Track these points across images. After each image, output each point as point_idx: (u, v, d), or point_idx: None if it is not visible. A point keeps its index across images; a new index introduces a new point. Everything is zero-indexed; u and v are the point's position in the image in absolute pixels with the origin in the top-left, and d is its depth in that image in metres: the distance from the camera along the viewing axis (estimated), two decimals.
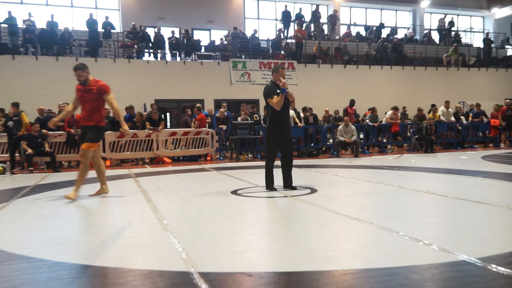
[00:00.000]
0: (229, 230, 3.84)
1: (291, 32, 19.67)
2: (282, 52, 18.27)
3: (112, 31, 16.58)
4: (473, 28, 24.77)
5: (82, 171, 5.73)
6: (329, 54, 18.79)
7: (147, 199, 5.56)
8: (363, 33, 21.59)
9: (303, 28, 19.11)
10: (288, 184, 6.14)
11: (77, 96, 5.85)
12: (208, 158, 12.47)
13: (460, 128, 14.90)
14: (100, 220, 4.41)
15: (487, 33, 22.34)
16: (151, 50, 16.90)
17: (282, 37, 18.83)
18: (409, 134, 14.31)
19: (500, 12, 24.57)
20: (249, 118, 12.88)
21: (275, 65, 6.82)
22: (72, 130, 10.89)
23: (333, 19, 20.67)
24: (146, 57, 16.91)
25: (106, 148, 11.17)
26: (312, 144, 13.32)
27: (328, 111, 14.92)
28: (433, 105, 15.31)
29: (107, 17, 16.69)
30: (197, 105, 12.99)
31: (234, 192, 6.03)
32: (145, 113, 13.11)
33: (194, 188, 6.59)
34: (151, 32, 17.04)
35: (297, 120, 13.04)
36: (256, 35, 18.51)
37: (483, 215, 4.16)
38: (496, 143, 15.24)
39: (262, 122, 12.77)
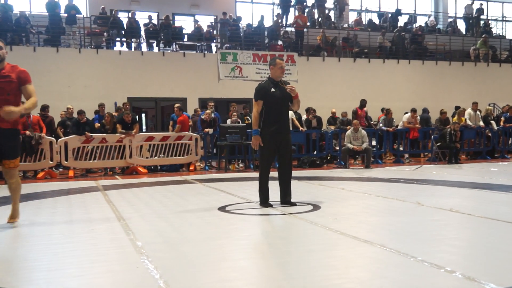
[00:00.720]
0: (215, 254, 3.85)
1: (290, 19, 19.79)
2: (280, 43, 18.37)
3: (77, 16, 16.56)
4: (506, 17, 25.06)
5: (17, 191, 5.25)
6: (335, 45, 18.92)
7: (117, 217, 5.56)
8: (376, 21, 21.78)
9: (305, 14, 19.26)
10: (286, 199, 6.16)
11: None
12: (191, 168, 12.46)
13: (490, 134, 15.03)
14: (62, 242, 4.40)
15: None
16: (123, 39, 16.90)
17: (281, 24, 18.93)
18: (428, 141, 14.40)
19: None
20: (240, 121, 12.92)
21: (272, 57, 6.88)
22: (27, 132, 10.87)
23: (341, 4, 20.83)
24: (117, 47, 16.92)
25: (68, 155, 11.15)
26: (315, 152, 13.38)
27: (335, 113, 15.02)
28: (457, 107, 15.43)
29: (70, 0, 16.69)
30: (176, 104, 13.01)
31: (222, 209, 6.04)
32: (116, 113, 13.11)
33: (174, 204, 6.58)
34: (124, 17, 17.05)
35: (297, 123, 13.10)
36: (250, 21, 18.65)
37: None
38: None
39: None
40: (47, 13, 16.15)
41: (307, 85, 16.96)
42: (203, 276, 3.24)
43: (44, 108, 12.09)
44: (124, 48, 16.90)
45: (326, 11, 20.61)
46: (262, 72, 16.93)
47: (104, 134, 11.64)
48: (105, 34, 16.75)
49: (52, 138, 11.26)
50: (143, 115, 18.49)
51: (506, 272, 3.18)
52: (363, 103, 14.90)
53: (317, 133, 13.51)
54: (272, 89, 6.06)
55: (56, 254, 3.93)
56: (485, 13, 23.74)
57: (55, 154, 11.12)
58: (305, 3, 19.96)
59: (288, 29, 19.13)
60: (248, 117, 13.43)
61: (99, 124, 12.10)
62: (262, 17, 18.56)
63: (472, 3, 23.10)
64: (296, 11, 19.29)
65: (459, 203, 6.18)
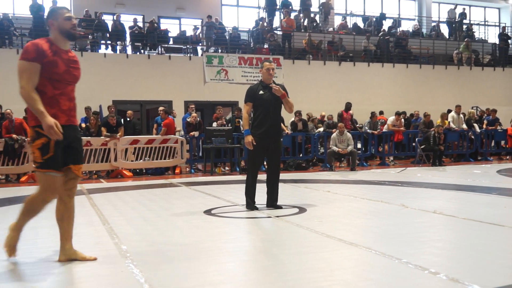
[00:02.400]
0: (201, 257, 3.84)
1: (276, 23, 19.85)
2: (266, 46, 18.41)
3: None
4: (488, 21, 25.42)
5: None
6: (321, 48, 19.02)
7: (102, 221, 5.51)
8: (361, 24, 21.93)
9: (291, 18, 19.35)
10: (272, 202, 6.16)
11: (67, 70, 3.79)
12: (177, 171, 12.42)
13: (473, 137, 15.22)
14: (46, 246, 4.35)
15: (504, 27, 22.96)
16: (108, 42, 16.81)
17: (266, 27, 18.95)
18: (414, 143, 14.55)
19: None
20: (226, 124, 12.91)
21: (262, 60, 6.91)
22: (13, 136, 10.76)
23: (326, 8, 20.97)
24: (102, 49, 16.80)
25: None
26: (300, 155, 13.41)
27: (323, 117, 15.08)
28: (449, 111, 15.60)
29: (55, 2, 16.53)
30: (161, 108, 12.96)
31: (208, 212, 6.03)
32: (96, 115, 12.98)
33: (160, 207, 6.55)
34: (108, 20, 16.95)
35: (283, 126, 13.11)
36: (236, 25, 18.66)
37: (499, 239, 4.26)
38: None
39: (242, 128, 12.79)
40: (31, 15, 15.99)
41: (293, 88, 16.87)
42: (189, 279, 3.23)
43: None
44: (109, 51, 16.80)
45: (312, 15, 20.71)
46: (248, 75, 16.94)
47: (89, 137, 11.55)
48: (89, 36, 16.64)
49: None
50: (128, 118, 18.34)
51: (489, 274, 3.21)
52: (348, 106, 14.97)
53: (303, 136, 13.56)
54: (261, 92, 6.07)
55: (41, 259, 3.88)
56: (467, 18, 24.07)
57: None
58: (290, 7, 20.05)
59: (276, 32, 19.16)
60: (239, 120, 13.43)
61: (84, 125, 12.02)
62: (257, 22, 18.61)
63: (455, 8, 23.41)
64: (282, 15, 19.36)
65: (443, 205, 6.24)
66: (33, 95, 3.45)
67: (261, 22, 19.12)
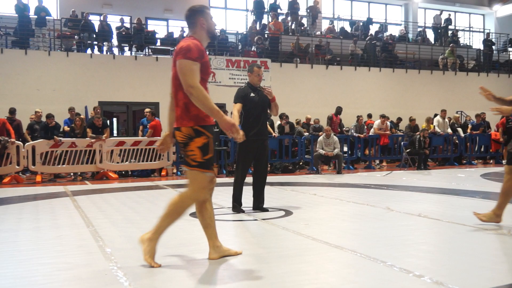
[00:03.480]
0: (186, 260, 3.82)
1: (264, 26, 19.87)
2: (254, 49, 18.43)
3: (47, 18, 16.29)
4: (473, 27, 25.75)
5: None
6: (308, 52, 19.09)
7: (86, 223, 5.46)
8: (348, 29, 22.08)
9: (279, 21, 19.40)
10: (258, 205, 6.17)
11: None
12: (163, 173, 12.37)
13: (457, 141, 15.37)
14: (28, 248, 4.30)
15: (488, 33, 23.27)
16: (95, 42, 16.69)
17: (254, 30, 18.98)
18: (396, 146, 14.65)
19: (502, 9, 25.66)
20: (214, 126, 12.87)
21: (251, 64, 6.92)
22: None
23: (314, 12, 21.06)
24: (88, 50, 16.68)
25: (36, 160, 10.91)
26: (287, 158, 13.44)
27: (309, 120, 15.12)
28: (435, 115, 15.73)
29: (40, 1, 16.40)
30: (147, 109, 12.90)
31: (194, 215, 5.97)
32: (81, 116, 12.88)
33: (145, 210, 6.52)
34: (95, 20, 16.84)
35: (270, 129, 13.14)
36: (223, 27, 18.64)
37: (482, 242, 4.31)
38: (497, 159, 15.80)
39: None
40: (16, 15, 15.82)
41: (280, 91, 16.99)
42: (174, 283, 3.21)
43: (12, 112, 11.83)
44: (96, 51, 16.67)
45: (299, 18, 20.80)
46: (236, 78, 16.94)
47: (74, 139, 11.45)
48: (75, 37, 16.51)
49: (19, 142, 11.02)
50: (114, 119, 18.26)
51: (473, 276, 3.25)
52: (339, 110, 15.05)
53: (290, 139, 13.58)
54: (252, 94, 6.11)
55: (22, 261, 3.84)
56: (453, 23, 24.35)
57: (22, 159, 10.88)
58: (278, 10, 20.10)
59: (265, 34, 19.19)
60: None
61: (68, 128, 11.91)
62: (250, 28, 18.60)
63: (441, 14, 23.68)
64: (270, 18, 19.39)
65: (428, 208, 6.29)
66: (206, 93, 3.43)
67: (250, 26, 19.14)
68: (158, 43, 17.60)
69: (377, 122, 14.75)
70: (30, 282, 3.27)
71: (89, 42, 16.64)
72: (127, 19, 17.86)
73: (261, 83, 6.28)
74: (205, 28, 3.66)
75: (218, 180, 10.95)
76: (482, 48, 22.79)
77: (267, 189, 6.46)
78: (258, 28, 19.17)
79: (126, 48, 17.00)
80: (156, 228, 3.64)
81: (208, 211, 3.77)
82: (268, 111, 6.33)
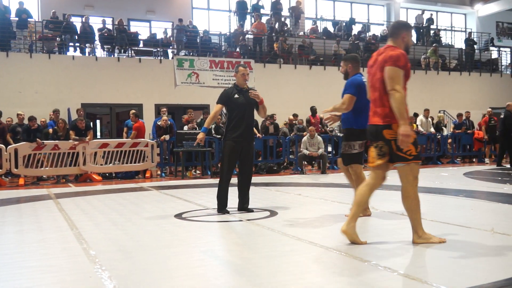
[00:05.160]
0: (172, 261, 3.81)
1: (247, 26, 19.89)
2: (237, 50, 18.44)
3: (28, 20, 16.12)
4: (454, 27, 26.07)
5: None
6: (292, 52, 19.15)
7: (70, 225, 5.42)
8: (331, 29, 22.20)
9: (263, 22, 19.44)
10: (243, 205, 6.17)
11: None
12: (147, 175, 12.31)
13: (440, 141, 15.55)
14: (12, 252, 4.25)
15: (470, 33, 23.59)
16: (77, 44, 16.56)
17: (240, 29, 18.97)
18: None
19: (484, 9, 26.00)
20: (197, 127, 12.85)
21: (236, 64, 6.93)
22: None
23: (296, 12, 21.13)
24: (71, 52, 16.55)
25: (19, 163, 10.80)
26: (272, 158, 13.47)
27: (292, 120, 15.15)
28: (416, 115, 15.87)
29: (21, 3, 16.22)
30: (132, 111, 12.83)
31: (179, 216, 5.99)
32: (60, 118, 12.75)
33: (129, 212, 6.48)
34: (77, 22, 16.70)
35: (255, 130, 13.15)
36: (206, 28, 18.60)
37: (465, 240, 4.36)
38: (480, 158, 16.02)
39: (213, 131, 12.78)
40: None
41: (264, 92, 16.76)
42: (159, 285, 3.20)
43: None
44: (78, 53, 16.55)
45: (282, 19, 20.84)
46: (219, 79, 16.93)
47: (57, 141, 11.34)
48: (57, 38, 16.35)
49: (1, 145, 10.89)
50: (98, 121, 18.13)
51: (457, 275, 3.29)
52: (313, 110, 15.07)
53: (274, 139, 13.61)
54: (236, 95, 6.09)
55: (6, 265, 3.79)
56: (435, 23, 24.61)
57: (4, 162, 10.75)
58: (261, 10, 20.12)
59: (248, 36, 19.19)
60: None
61: (51, 130, 11.79)
62: (235, 30, 18.61)
63: (423, 13, 23.93)
64: (253, 19, 19.41)
65: None
66: (404, 99, 4.03)
67: (236, 27, 19.14)
68: (141, 44, 17.52)
69: None
70: (14, 285, 3.23)
71: (71, 44, 16.51)
72: (109, 21, 17.74)
73: (247, 85, 6.27)
74: (405, 42, 4.26)
75: (204, 181, 10.95)
76: (464, 47, 23.07)
77: (252, 189, 6.46)
78: (242, 29, 19.16)
79: (109, 50, 16.89)
80: (412, 224, 4.21)
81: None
82: (257, 113, 6.33)
